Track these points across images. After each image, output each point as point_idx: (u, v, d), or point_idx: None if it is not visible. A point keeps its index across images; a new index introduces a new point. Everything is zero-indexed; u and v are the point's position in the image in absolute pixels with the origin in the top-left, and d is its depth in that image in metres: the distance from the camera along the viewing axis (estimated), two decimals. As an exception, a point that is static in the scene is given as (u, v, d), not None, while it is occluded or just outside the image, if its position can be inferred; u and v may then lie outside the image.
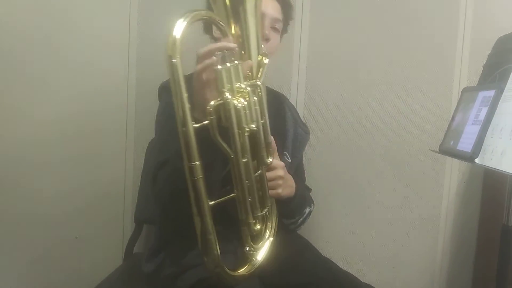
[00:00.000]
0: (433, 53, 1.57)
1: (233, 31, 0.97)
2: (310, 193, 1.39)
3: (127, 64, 1.58)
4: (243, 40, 0.98)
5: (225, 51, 0.91)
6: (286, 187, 1.14)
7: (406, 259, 1.61)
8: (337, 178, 1.60)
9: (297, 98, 1.58)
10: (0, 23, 1.55)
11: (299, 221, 1.28)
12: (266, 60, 1.02)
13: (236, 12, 0.97)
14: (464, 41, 1.56)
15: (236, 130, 0.89)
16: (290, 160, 1.28)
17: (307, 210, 1.30)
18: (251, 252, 1.02)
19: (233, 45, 0.92)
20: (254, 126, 0.93)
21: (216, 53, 0.89)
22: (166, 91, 1.20)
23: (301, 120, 1.39)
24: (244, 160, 0.92)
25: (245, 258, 1.03)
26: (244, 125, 0.91)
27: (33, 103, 1.56)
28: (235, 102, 0.89)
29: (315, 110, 1.59)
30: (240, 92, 0.92)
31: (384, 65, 1.57)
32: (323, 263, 1.29)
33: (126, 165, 1.59)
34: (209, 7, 1.09)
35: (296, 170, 1.35)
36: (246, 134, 0.92)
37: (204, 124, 0.87)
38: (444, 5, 1.56)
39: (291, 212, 1.23)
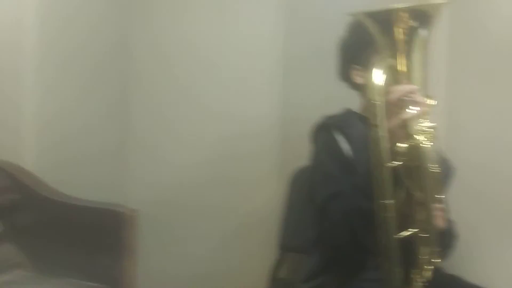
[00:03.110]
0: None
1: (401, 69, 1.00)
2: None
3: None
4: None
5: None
6: (443, 218, 1.18)
7: None
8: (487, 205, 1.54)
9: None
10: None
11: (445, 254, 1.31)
12: (432, 102, 1.06)
13: (407, 50, 0.99)
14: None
15: (426, 171, 0.95)
16: None
17: (455, 242, 1.32)
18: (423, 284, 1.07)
19: (424, 103, 0.97)
20: (436, 166, 0.99)
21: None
22: (324, 130, 1.26)
23: None
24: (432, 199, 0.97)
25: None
26: (430, 166, 0.96)
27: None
28: (424, 144, 0.95)
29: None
30: (424, 133, 0.98)
31: None
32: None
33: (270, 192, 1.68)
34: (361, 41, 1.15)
35: None
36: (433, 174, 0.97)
37: (396, 165, 0.94)
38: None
39: (445, 245, 1.25)
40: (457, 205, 1.46)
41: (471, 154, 1.54)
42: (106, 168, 1.75)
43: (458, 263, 1.47)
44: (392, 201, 0.92)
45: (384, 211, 0.93)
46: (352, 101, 1.32)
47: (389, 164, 0.92)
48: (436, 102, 1.06)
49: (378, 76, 0.90)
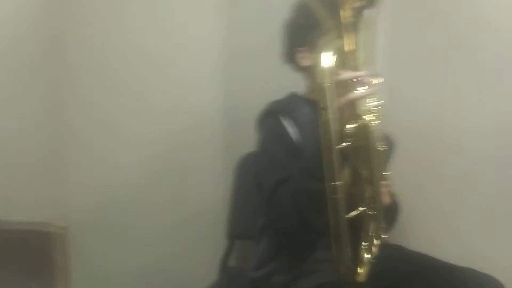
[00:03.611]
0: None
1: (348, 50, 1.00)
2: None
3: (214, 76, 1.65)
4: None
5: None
6: (389, 194, 1.21)
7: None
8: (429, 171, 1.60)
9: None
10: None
11: (390, 228, 1.36)
12: (379, 80, 1.08)
13: (354, 30, 0.99)
14: None
15: (374, 150, 0.97)
16: None
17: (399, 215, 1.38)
18: (372, 260, 1.10)
19: (370, 83, 0.99)
20: (383, 144, 1.01)
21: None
22: (270, 116, 1.26)
23: None
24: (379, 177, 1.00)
25: (364, 265, 1.10)
26: (377, 144, 0.99)
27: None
28: (372, 123, 0.97)
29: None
30: (371, 112, 0.99)
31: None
32: (419, 255, 1.31)
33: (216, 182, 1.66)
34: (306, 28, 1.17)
35: None
36: (380, 152, 1.00)
37: (344, 146, 0.95)
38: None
39: (391, 220, 1.31)
40: (402, 172, 1.51)
41: (412, 125, 1.59)
42: (42, 176, 1.63)
43: (401, 232, 1.53)
44: (341, 182, 0.93)
45: (333, 192, 0.93)
46: (295, 85, 1.33)
47: (339, 146, 0.92)
48: (382, 79, 1.09)
49: (326, 58, 0.90)
